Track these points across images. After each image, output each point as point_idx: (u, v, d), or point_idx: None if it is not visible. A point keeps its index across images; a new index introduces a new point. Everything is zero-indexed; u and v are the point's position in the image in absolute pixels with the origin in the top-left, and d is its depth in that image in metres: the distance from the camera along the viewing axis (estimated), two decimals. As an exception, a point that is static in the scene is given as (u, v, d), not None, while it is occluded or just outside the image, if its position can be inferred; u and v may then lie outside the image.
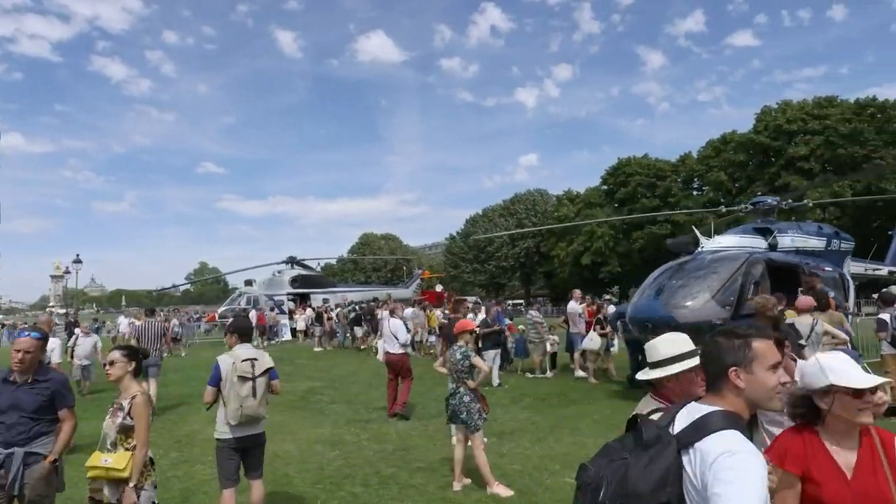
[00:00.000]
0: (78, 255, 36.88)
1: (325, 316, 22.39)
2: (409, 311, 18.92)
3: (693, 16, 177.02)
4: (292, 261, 31.15)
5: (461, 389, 5.52)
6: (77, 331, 10.72)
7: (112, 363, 3.44)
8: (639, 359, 11.34)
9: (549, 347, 12.91)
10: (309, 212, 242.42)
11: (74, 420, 3.66)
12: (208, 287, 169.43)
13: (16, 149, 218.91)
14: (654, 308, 9.41)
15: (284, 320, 25.38)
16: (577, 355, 12.75)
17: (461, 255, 59.73)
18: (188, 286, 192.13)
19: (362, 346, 19.81)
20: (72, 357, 9.67)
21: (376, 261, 71.86)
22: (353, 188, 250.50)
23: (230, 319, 21.71)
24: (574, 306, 13.94)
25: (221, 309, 27.08)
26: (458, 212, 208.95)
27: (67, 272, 44.88)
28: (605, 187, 50.53)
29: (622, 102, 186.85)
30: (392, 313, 9.22)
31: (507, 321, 14.92)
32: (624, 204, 47.81)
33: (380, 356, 10.01)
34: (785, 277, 10.27)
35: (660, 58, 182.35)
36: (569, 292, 14.69)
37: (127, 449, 3.26)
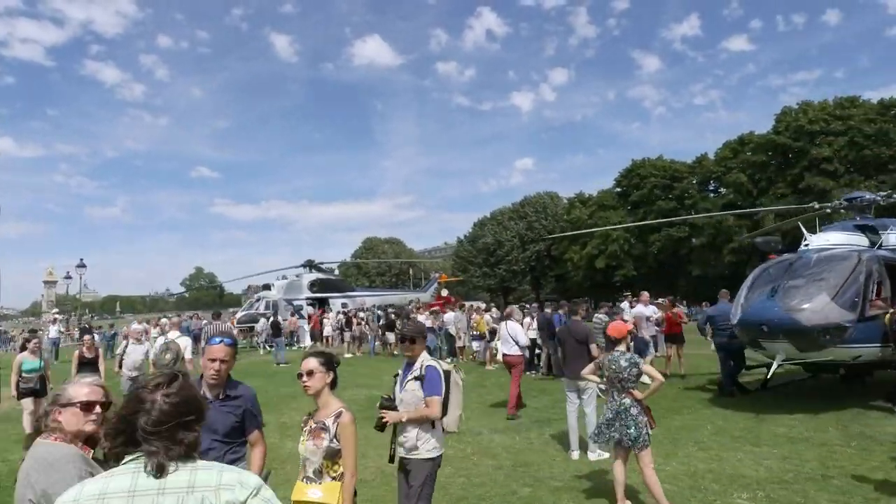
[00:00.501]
0: (82, 260, 35.63)
1: (356, 321, 21.41)
2: (450, 315, 18.03)
3: (688, 20, 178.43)
4: (310, 264, 30.09)
5: (626, 401, 4.78)
6: (127, 339, 9.68)
7: (310, 373, 2.88)
8: (731, 364, 10.55)
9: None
10: (304, 216, 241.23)
11: (265, 445, 3.10)
12: (204, 293, 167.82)
13: (6, 153, 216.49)
14: (769, 310, 8.50)
15: (305, 325, 24.35)
16: (647, 361, 11.90)
17: (469, 258, 58.74)
18: (183, 293, 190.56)
19: (396, 352, 18.90)
20: (120, 367, 8.63)
21: (380, 265, 70.81)
22: (349, 192, 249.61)
23: (252, 326, 20.34)
24: (642, 310, 13.06)
25: (240, 314, 25.99)
26: (453, 216, 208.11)
27: (69, 277, 43.51)
28: (619, 189, 49.84)
29: (618, 106, 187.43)
30: (509, 317, 9.59)
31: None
32: (638, 206, 47.07)
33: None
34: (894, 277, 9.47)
35: (655, 61, 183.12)
36: (580, 296, 13.99)
37: (333, 478, 2.79)
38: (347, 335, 20.84)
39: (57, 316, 31.25)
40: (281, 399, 10.66)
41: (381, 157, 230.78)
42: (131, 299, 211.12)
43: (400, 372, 3.69)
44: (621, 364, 4.88)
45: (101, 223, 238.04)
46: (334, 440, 2.74)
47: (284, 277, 29.66)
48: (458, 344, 17.30)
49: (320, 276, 29.67)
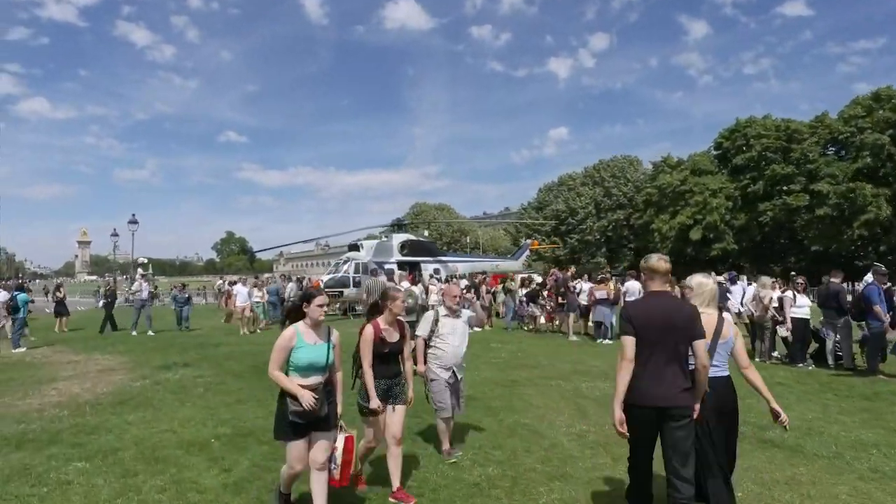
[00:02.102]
0: (134, 215, 32.15)
1: (484, 288, 17.05)
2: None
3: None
4: (398, 224, 25.67)
5: None
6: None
7: None
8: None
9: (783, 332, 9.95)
10: (330, 184, 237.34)
11: None
12: (235, 257, 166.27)
13: (39, 114, 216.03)
14: None
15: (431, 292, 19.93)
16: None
17: (535, 227, 53.91)
18: (213, 257, 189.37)
19: (557, 327, 14.70)
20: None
21: (431, 233, 66.44)
22: (376, 160, 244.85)
23: (342, 291, 18.14)
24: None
25: (325, 278, 21.80)
26: (482, 186, 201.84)
27: (116, 234, 40.26)
28: (717, 152, 44.21)
29: (661, 74, 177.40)
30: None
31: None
32: (742, 171, 41.53)
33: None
34: None
35: (703, 27, 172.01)
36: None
37: None
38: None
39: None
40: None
41: (410, 125, 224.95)
42: (161, 262, 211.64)
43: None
44: None
45: (129, 186, 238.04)
46: None
47: (387, 237, 25.36)
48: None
49: (411, 237, 25.24)
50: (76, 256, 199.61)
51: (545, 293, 16.10)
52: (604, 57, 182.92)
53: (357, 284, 21.91)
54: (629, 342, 3.10)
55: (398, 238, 24.92)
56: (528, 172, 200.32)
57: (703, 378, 3.12)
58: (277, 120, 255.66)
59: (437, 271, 25.01)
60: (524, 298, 16.33)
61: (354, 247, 24.35)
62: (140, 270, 35.21)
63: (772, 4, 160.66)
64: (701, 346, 3.09)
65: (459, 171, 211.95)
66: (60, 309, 17.06)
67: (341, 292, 21.57)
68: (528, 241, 33.85)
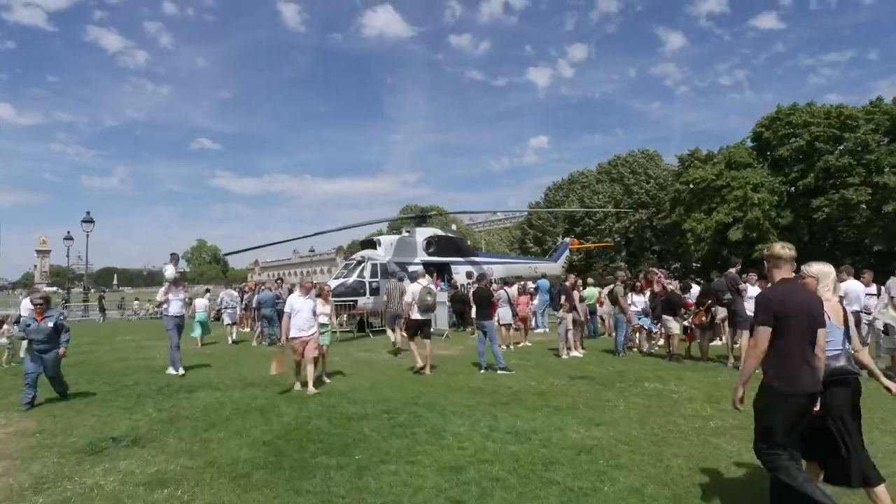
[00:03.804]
0: (88, 213, 26.02)
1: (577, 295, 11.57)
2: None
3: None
4: (423, 215, 20.05)
5: None
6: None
7: None
8: None
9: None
10: (306, 191, 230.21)
11: None
12: (208, 268, 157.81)
13: (4, 120, 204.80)
14: None
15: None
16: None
17: (545, 227, 48.77)
18: (184, 267, 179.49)
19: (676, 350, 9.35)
20: None
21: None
22: (353, 168, 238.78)
23: (355, 301, 11.68)
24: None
25: (334, 284, 16.10)
26: (460, 195, 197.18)
27: (69, 238, 33.94)
28: (754, 143, 39.74)
29: (639, 84, 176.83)
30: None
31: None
32: (785, 164, 37.10)
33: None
34: None
35: (679, 39, 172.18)
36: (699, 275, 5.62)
37: None
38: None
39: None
40: None
41: (388, 132, 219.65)
42: (128, 272, 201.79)
43: None
44: None
45: (98, 193, 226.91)
46: None
47: (409, 232, 19.74)
48: None
49: (438, 231, 19.60)
50: (35, 266, 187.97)
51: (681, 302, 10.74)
52: (583, 67, 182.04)
53: (375, 292, 16.30)
54: (766, 333, 3.16)
55: (423, 233, 19.29)
56: (508, 180, 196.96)
57: (822, 365, 3.25)
58: (252, 127, 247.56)
59: (469, 274, 19.55)
60: (647, 306, 10.96)
61: (370, 244, 18.64)
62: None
63: (745, 17, 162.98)
64: (822, 334, 3.25)
65: (437, 179, 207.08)
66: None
67: (355, 302, 15.99)
68: (567, 239, 28.57)
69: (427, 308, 9.35)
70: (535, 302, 15.15)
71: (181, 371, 9.28)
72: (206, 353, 12.07)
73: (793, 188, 36.59)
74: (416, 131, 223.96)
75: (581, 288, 11.03)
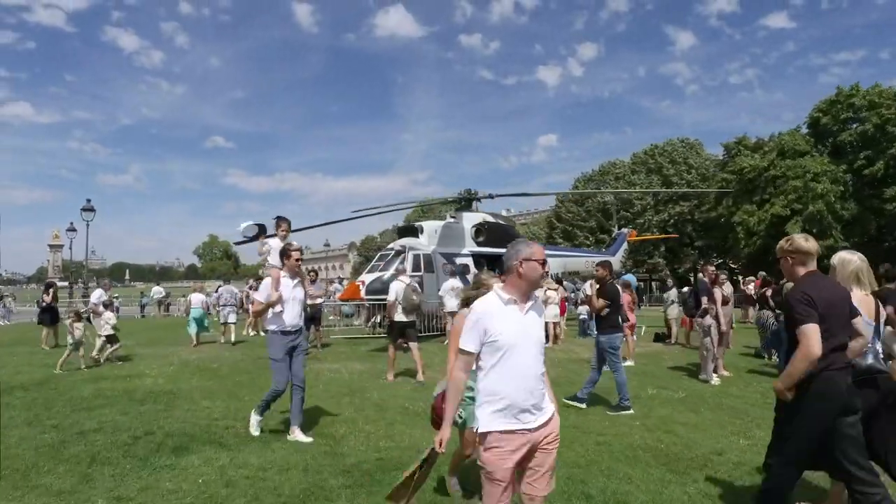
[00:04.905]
0: (89, 201, 23.46)
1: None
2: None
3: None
4: (471, 198, 17.16)
5: None
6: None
7: None
8: None
9: None
10: (316, 189, 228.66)
11: None
12: (219, 262, 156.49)
13: (23, 118, 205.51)
14: None
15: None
16: None
17: (574, 221, 45.76)
18: (195, 262, 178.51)
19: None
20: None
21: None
22: (364, 167, 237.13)
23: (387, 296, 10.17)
24: None
25: (368, 279, 13.33)
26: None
27: (73, 229, 31.84)
28: (810, 129, 36.44)
29: (649, 83, 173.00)
30: None
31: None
32: (849, 150, 33.82)
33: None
34: None
35: (689, 38, 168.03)
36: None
37: None
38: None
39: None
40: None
41: (399, 131, 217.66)
42: (141, 267, 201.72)
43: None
44: None
45: (113, 190, 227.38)
46: None
47: (454, 218, 16.83)
48: None
49: (488, 217, 16.75)
50: (48, 261, 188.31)
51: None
52: (592, 66, 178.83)
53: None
54: (816, 332, 2.75)
55: (471, 219, 16.36)
56: (517, 178, 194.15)
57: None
58: (265, 126, 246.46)
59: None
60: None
61: (410, 230, 15.79)
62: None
63: (756, 16, 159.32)
64: (860, 322, 3.06)
65: (447, 177, 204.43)
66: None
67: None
68: (625, 230, 25.59)
69: (413, 308, 8.60)
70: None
71: (256, 432, 5.33)
72: (208, 363, 9.33)
73: (857, 177, 33.28)
74: (427, 130, 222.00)
75: (722, 283, 8.13)
